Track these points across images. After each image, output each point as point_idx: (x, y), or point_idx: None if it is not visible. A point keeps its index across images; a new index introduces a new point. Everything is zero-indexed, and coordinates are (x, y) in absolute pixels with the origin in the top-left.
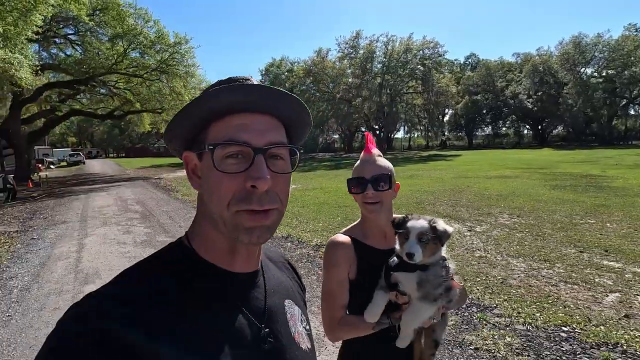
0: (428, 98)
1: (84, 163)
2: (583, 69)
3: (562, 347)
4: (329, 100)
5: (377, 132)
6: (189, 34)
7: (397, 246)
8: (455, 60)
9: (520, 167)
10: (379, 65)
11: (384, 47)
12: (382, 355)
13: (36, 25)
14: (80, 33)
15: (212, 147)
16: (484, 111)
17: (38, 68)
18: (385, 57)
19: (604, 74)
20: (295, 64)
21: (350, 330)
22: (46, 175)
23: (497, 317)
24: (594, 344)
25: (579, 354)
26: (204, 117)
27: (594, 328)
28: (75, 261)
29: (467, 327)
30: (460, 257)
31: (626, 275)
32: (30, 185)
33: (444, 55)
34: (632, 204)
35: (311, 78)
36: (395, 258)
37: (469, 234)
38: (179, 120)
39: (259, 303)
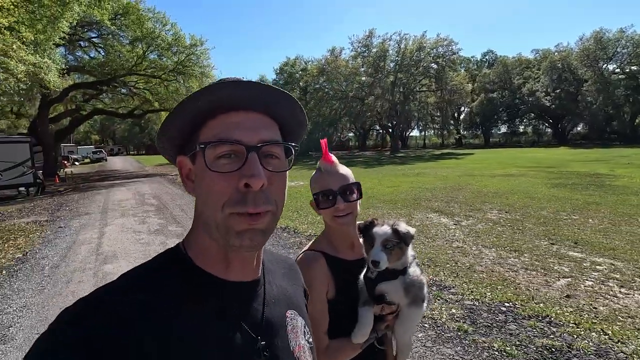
0: (441, 96)
1: (106, 160)
2: (604, 65)
3: (497, 317)
4: (342, 98)
5: (390, 130)
6: (204, 34)
7: (364, 253)
8: (472, 57)
9: (528, 165)
10: (392, 64)
11: (396, 45)
12: None
13: (63, 32)
14: (103, 36)
15: (202, 146)
16: (500, 109)
17: (65, 71)
18: (397, 56)
19: (627, 70)
20: (309, 63)
21: (338, 357)
22: (71, 171)
23: (452, 294)
24: (526, 315)
25: (509, 322)
26: (195, 117)
27: (533, 305)
28: (97, 246)
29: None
30: (438, 247)
31: (584, 264)
32: (57, 181)
33: (457, 53)
34: (623, 201)
35: (324, 77)
36: (372, 270)
37: (454, 227)
38: (170, 121)
39: (257, 314)
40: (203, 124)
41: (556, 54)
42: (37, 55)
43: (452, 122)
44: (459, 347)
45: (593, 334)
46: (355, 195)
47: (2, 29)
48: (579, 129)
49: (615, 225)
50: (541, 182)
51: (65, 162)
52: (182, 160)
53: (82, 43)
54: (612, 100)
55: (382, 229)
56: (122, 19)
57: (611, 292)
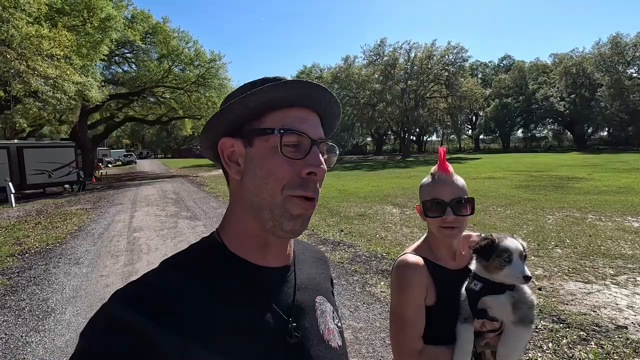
0: (452, 102)
1: (135, 163)
2: (622, 68)
3: (377, 262)
4: (354, 105)
5: (402, 135)
6: (226, 44)
7: (481, 270)
8: (489, 62)
9: (518, 170)
10: (401, 72)
11: (406, 54)
12: None
13: (103, 54)
14: (135, 52)
15: (282, 132)
16: (515, 114)
17: (102, 84)
18: (407, 64)
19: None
20: (325, 70)
21: None
22: (106, 172)
23: (353, 249)
24: (379, 256)
25: (378, 261)
26: (260, 108)
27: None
28: (128, 223)
29: (331, 251)
30: (372, 226)
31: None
32: (94, 181)
33: (467, 60)
34: (557, 198)
35: (338, 84)
36: (475, 282)
37: (398, 215)
38: (236, 107)
39: (288, 298)
40: (266, 113)
41: (571, 58)
42: (83, 76)
43: (469, 126)
44: (343, 273)
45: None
46: (466, 210)
47: (59, 58)
48: (602, 134)
49: (521, 215)
50: (510, 184)
51: (100, 164)
52: (226, 141)
53: (116, 58)
54: (627, 105)
55: (514, 242)
56: (152, 37)
57: None
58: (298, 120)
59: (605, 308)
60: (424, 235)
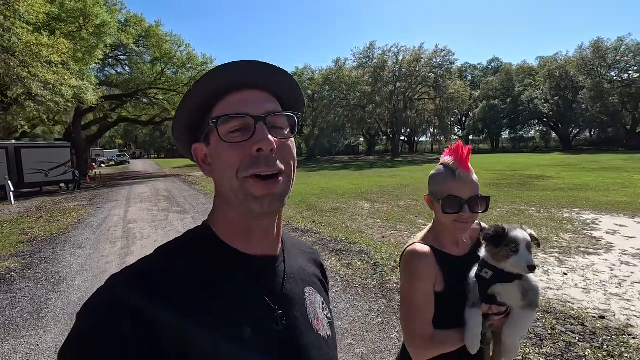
0: (439, 104)
1: (129, 163)
2: (604, 72)
3: (337, 244)
4: (345, 106)
5: (391, 136)
6: (218, 46)
7: (490, 258)
8: (478, 64)
9: (494, 169)
10: (390, 75)
11: (394, 57)
12: None
13: (98, 58)
14: (128, 54)
15: (215, 121)
16: (502, 115)
17: (97, 88)
18: (395, 67)
19: (625, 77)
20: (317, 72)
21: (442, 348)
22: (100, 172)
23: (318, 235)
24: (353, 244)
25: (340, 246)
26: (204, 100)
27: (360, 240)
28: (123, 216)
29: (299, 237)
30: (342, 217)
31: (418, 222)
32: (88, 180)
33: (454, 62)
34: (515, 194)
35: (329, 86)
36: (485, 270)
37: (367, 208)
38: (180, 111)
39: (276, 286)
40: (212, 107)
41: (555, 62)
42: (79, 79)
43: (459, 127)
44: None
45: (362, 245)
46: (481, 207)
47: (58, 64)
48: (587, 135)
49: None
50: (481, 182)
51: (94, 164)
52: (197, 147)
53: (110, 60)
54: (607, 107)
55: (522, 233)
56: (145, 40)
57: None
58: (239, 104)
59: None
60: (430, 225)
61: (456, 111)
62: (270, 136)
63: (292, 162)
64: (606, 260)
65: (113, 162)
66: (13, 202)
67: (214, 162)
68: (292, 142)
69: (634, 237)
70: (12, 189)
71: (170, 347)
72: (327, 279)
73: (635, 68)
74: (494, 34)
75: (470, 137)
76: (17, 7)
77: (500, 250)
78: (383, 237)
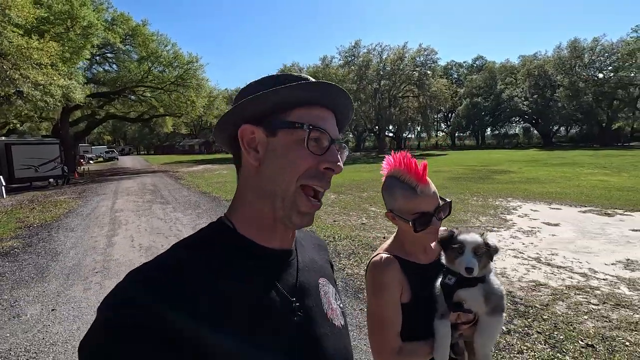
0: (423, 101)
1: (117, 159)
2: (580, 70)
3: None
4: None
5: (376, 132)
6: (208, 43)
7: (445, 261)
8: (464, 62)
9: (467, 164)
10: (374, 73)
11: (379, 55)
12: None
13: (86, 58)
14: (115, 52)
15: (311, 127)
16: (484, 112)
17: (85, 84)
18: (379, 65)
19: (600, 75)
20: (304, 69)
21: None
22: (88, 168)
23: None
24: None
25: None
26: (289, 102)
27: (314, 224)
28: (111, 206)
29: None
30: None
31: (370, 209)
32: (77, 176)
33: (437, 61)
34: (470, 187)
35: None
36: (449, 276)
37: (332, 199)
38: (265, 98)
39: (292, 278)
40: (294, 108)
41: (534, 61)
42: (67, 79)
43: (444, 124)
44: None
45: (313, 227)
46: (445, 214)
47: (47, 66)
48: (567, 131)
49: None
50: (448, 176)
51: (82, 160)
52: (247, 128)
53: (97, 58)
54: (582, 105)
55: (472, 236)
56: (132, 39)
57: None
58: (320, 119)
59: None
60: (394, 234)
61: (441, 108)
62: (341, 162)
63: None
64: (500, 235)
65: (101, 159)
66: (5, 196)
67: (273, 156)
68: None
69: (536, 219)
70: (4, 184)
71: (188, 340)
72: (332, 262)
73: (610, 67)
74: (481, 32)
75: (456, 134)
76: (7, 11)
77: (449, 252)
78: (334, 221)
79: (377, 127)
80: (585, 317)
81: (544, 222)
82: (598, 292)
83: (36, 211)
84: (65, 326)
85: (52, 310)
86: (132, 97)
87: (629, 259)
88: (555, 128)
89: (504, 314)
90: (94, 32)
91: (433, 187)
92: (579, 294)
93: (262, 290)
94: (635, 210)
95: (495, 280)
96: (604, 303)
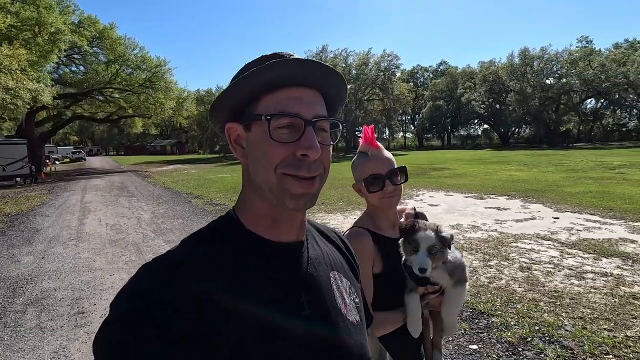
0: (386, 104)
1: (85, 160)
2: (530, 76)
3: None
4: None
5: (345, 134)
6: (181, 44)
7: (403, 252)
8: (429, 66)
9: (418, 163)
10: None
11: (344, 61)
12: (407, 345)
13: (53, 62)
14: (82, 54)
15: (269, 118)
16: (446, 115)
17: (52, 85)
18: (345, 70)
19: (548, 81)
20: None
21: (381, 329)
22: (55, 168)
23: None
24: None
25: None
26: (256, 89)
27: None
28: (80, 199)
29: (219, 212)
30: None
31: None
32: (43, 176)
33: (399, 66)
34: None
35: None
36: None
37: None
38: (232, 92)
39: (302, 272)
40: (262, 96)
41: (491, 67)
42: (35, 82)
43: (412, 126)
44: None
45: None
46: (401, 179)
47: (17, 71)
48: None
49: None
50: None
51: (47, 161)
52: (231, 127)
53: (64, 60)
54: (529, 110)
55: (427, 235)
56: (99, 42)
57: None
58: (293, 101)
59: None
60: (365, 210)
61: (403, 111)
62: (317, 144)
63: (327, 166)
64: None
65: (68, 159)
66: None
67: (251, 150)
68: (331, 148)
69: (425, 202)
70: None
71: (198, 332)
72: (356, 262)
73: (558, 75)
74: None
75: (406, 135)
76: None
77: (406, 246)
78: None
79: (345, 130)
80: None
81: (429, 205)
82: None
83: (10, 204)
84: (53, 265)
85: (42, 258)
86: (100, 97)
87: (459, 224)
88: (512, 130)
89: (467, 283)
90: (61, 37)
91: (387, 153)
92: None
93: (270, 283)
94: (503, 195)
95: (456, 253)
96: None
